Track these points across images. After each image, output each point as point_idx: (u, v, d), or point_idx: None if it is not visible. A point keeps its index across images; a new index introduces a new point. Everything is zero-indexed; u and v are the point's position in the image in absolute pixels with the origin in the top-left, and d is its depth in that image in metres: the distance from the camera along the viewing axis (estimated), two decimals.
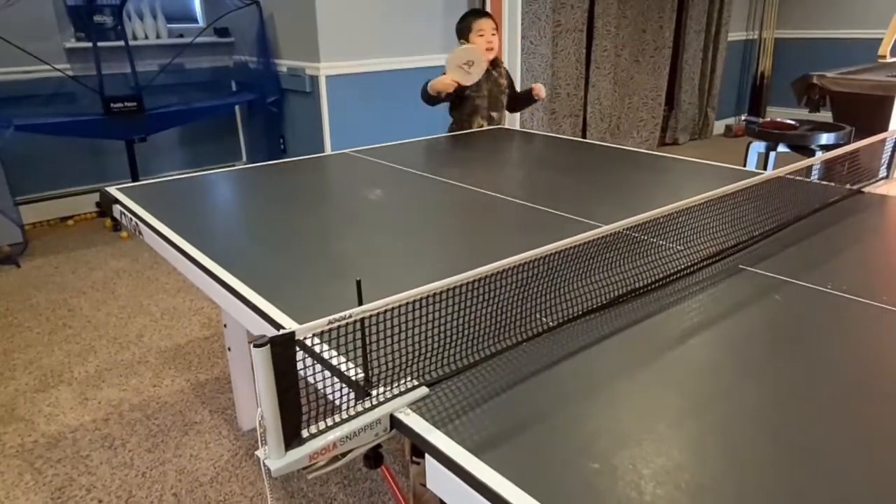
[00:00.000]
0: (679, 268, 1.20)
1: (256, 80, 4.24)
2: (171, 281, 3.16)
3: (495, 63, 2.78)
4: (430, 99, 2.67)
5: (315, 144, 3.94)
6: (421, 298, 0.84)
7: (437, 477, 0.76)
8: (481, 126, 2.76)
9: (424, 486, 1.62)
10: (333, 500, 1.75)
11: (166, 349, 2.54)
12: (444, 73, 2.61)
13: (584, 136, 5.39)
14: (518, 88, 3.03)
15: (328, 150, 3.84)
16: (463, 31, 2.74)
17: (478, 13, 2.80)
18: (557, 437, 0.76)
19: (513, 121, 4.55)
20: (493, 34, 2.71)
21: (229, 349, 1.99)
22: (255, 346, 0.68)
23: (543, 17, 4.72)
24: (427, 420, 0.79)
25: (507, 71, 2.91)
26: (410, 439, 0.79)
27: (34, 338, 2.65)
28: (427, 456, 0.76)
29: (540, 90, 2.83)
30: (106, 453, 1.95)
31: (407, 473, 1.67)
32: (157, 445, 1.98)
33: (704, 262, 1.24)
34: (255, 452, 0.75)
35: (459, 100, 2.73)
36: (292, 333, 0.71)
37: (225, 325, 1.97)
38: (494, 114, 2.81)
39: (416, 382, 0.85)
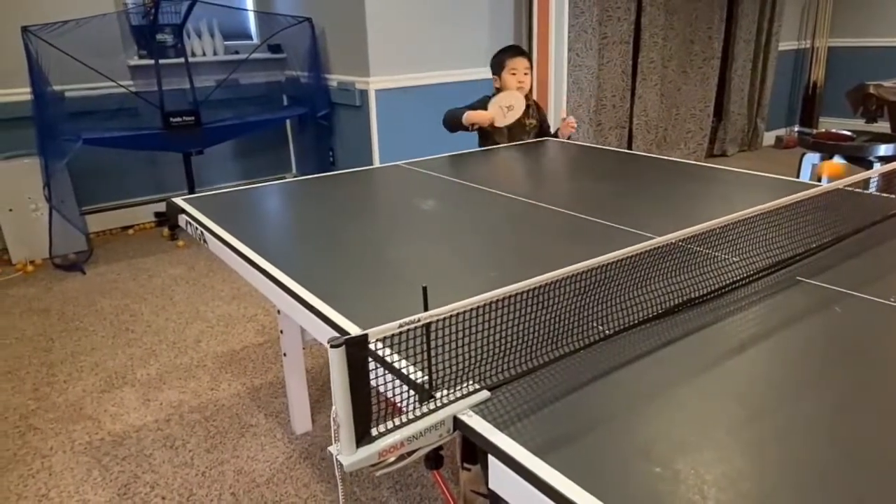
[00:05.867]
0: (735, 279, 1.20)
1: (307, 94, 4.37)
2: (226, 288, 3.27)
3: (526, 101, 2.76)
4: (455, 127, 2.70)
5: (363, 157, 4.03)
6: (484, 305, 0.87)
7: (499, 477, 0.78)
8: None
9: (475, 492, 1.64)
10: (385, 503, 1.79)
11: (222, 354, 2.64)
12: (486, 108, 2.67)
13: (629, 148, 5.36)
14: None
15: (376, 163, 3.92)
16: (496, 67, 2.77)
17: (514, 50, 2.79)
18: (618, 442, 0.78)
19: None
20: (526, 73, 2.71)
21: (285, 355, 2.06)
22: (332, 346, 0.72)
23: (590, 30, 4.74)
24: (489, 422, 0.82)
25: (538, 111, 2.89)
26: (473, 440, 0.82)
27: (99, 341, 2.78)
28: (490, 457, 0.79)
29: (567, 127, 2.80)
30: (168, 452, 2.03)
31: (457, 479, 1.70)
32: (216, 446, 2.05)
33: (761, 274, 1.24)
34: (328, 448, 0.79)
35: (483, 134, 2.77)
36: (366, 335, 0.75)
37: (281, 332, 2.04)
38: None
39: (477, 386, 0.88)
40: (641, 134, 5.43)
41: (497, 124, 2.68)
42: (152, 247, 3.99)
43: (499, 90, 2.76)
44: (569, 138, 2.85)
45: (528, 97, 2.79)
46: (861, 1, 6.12)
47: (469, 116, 2.64)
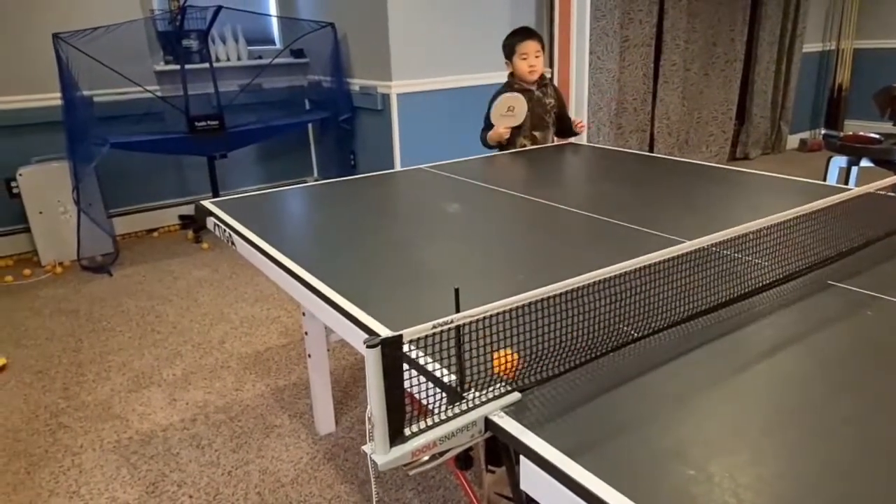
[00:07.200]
0: (765, 282, 1.19)
1: (330, 98, 4.40)
2: (250, 290, 3.30)
3: (541, 82, 2.77)
4: (494, 148, 2.81)
5: (385, 161, 4.06)
6: (516, 307, 0.88)
7: (531, 478, 0.79)
8: (524, 146, 2.76)
9: (499, 494, 1.64)
10: None
11: (247, 355, 2.67)
12: (493, 125, 2.73)
13: (650, 152, 5.33)
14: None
15: (398, 167, 3.95)
16: (506, 51, 2.77)
17: (523, 34, 2.74)
18: (650, 444, 0.78)
19: (580, 136, 4.55)
20: (537, 56, 2.70)
21: (310, 356, 2.08)
22: (368, 346, 0.74)
23: (611, 33, 4.72)
24: (521, 423, 0.83)
25: (556, 91, 2.90)
26: (505, 441, 0.83)
27: (126, 342, 2.82)
28: (522, 458, 0.80)
29: (581, 126, 2.92)
30: (194, 452, 2.06)
31: (480, 482, 1.70)
32: (241, 446, 2.08)
33: (790, 277, 1.23)
34: (362, 448, 0.80)
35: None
36: (400, 336, 0.76)
37: (306, 333, 2.06)
38: (538, 133, 2.79)
39: (508, 388, 0.89)
40: (663, 137, 5.40)
41: (514, 124, 2.71)
42: (177, 249, 4.05)
43: (512, 75, 2.78)
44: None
45: (541, 78, 2.78)
46: (888, 2, 6.03)
47: (491, 138, 2.77)
